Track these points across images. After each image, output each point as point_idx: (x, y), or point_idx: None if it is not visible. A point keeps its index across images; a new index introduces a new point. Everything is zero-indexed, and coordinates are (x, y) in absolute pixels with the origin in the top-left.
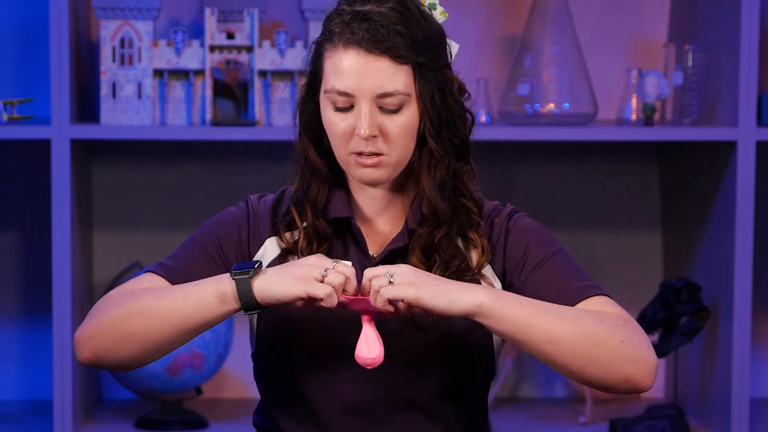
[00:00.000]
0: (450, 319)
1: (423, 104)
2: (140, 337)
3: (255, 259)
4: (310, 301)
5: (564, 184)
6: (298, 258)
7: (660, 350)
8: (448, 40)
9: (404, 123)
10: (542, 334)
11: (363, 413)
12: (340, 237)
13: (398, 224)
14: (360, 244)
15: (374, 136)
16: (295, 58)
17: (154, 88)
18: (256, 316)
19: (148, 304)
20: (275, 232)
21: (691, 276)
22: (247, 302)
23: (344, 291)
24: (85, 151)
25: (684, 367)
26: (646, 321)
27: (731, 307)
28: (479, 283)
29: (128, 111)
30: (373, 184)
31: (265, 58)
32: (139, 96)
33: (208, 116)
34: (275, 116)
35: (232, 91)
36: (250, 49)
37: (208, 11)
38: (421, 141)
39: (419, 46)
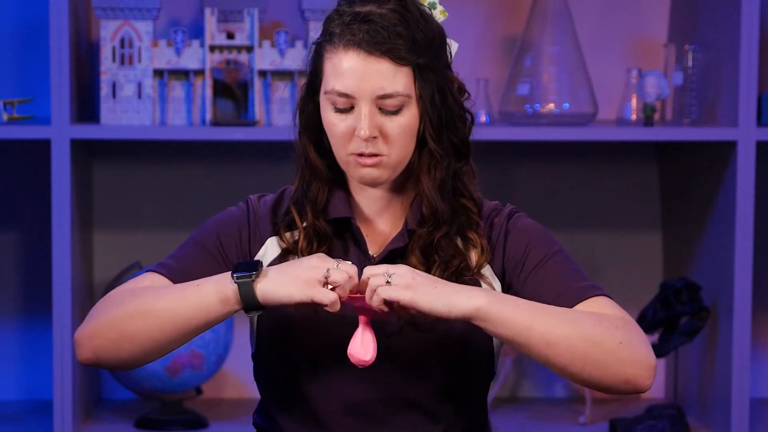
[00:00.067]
0: (450, 320)
1: (423, 105)
2: (140, 337)
3: (256, 258)
4: (313, 304)
5: (564, 184)
6: (298, 258)
7: (660, 350)
8: (447, 40)
9: (404, 124)
10: (541, 336)
11: (363, 413)
12: (340, 237)
13: (398, 224)
14: (360, 244)
15: (374, 137)
16: (295, 58)
17: (154, 88)
18: (256, 315)
19: (149, 305)
20: (275, 232)
21: (691, 276)
22: (249, 304)
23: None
24: (85, 151)
25: (684, 367)
26: (646, 321)
27: (731, 307)
28: (479, 283)
29: (128, 111)
30: (372, 184)
31: (265, 58)
32: (139, 96)
33: (208, 116)
34: (275, 116)
35: (232, 91)
36: (250, 49)
37: (208, 11)
38: (421, 141)
39: (419, 48)
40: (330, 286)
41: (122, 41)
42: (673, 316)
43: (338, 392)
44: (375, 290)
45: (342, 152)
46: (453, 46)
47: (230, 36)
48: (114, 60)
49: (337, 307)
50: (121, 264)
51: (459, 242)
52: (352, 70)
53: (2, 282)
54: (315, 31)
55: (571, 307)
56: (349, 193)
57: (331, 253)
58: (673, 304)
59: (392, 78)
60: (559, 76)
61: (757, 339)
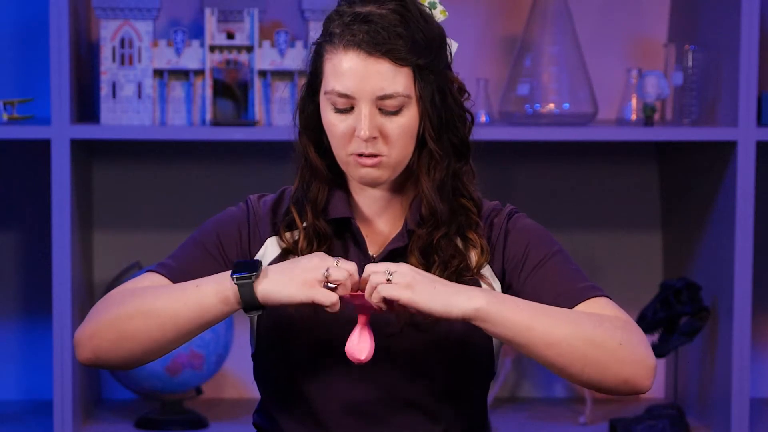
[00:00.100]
0: (450, 320)
1: (423, 106)
2: (140, 337)
3: (256, 258)
4: (314, 305)
5: (564, 184)
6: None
7: (660, 350)
8: (447, 40)
9: (404, 125)
10: (541, 337)
11: (363, 413)
12: (340, 237)
13: (398, 224)
14: (360, 244)
15: (374, 138)
16: (295, 58)
17: (154, 88)
18: (256, 315)
19: (149, 304)
20: (275, 232)
21: (691, 276)
22: (250, 305)
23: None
24: (85, 151)
25: (684, 367)
26: (646, 321)
27: (731, 307)
28: (478, 283)
29: (128, 111)
30: (372, 184)
31: (265, 58)
32: (139, 96)
33: (208, 116)
34: (275, 116)
35: (232, 91)
36: (250, 49)
37: (208, 11)
38: (420, 142)
39: (419, 48)
40: (331, 285)
41: (122, 41)
42: (673, 316)
43: (338, 392)
44: (375, 288)
45: (342, 152)
46: (453, 45)
47: (230, 36)
48: (114, 60)
49: (338, 307)
50: (121, 264)
51: (459, 242)
52: (352, 71)
53: (2, 282)
54: (315, 31)
55: (571, 307)
56: (349, 194)
57: (331, 253)
58: (673, 304)
59: (392, 78)
60: (559, 76)
61: (757, 339)
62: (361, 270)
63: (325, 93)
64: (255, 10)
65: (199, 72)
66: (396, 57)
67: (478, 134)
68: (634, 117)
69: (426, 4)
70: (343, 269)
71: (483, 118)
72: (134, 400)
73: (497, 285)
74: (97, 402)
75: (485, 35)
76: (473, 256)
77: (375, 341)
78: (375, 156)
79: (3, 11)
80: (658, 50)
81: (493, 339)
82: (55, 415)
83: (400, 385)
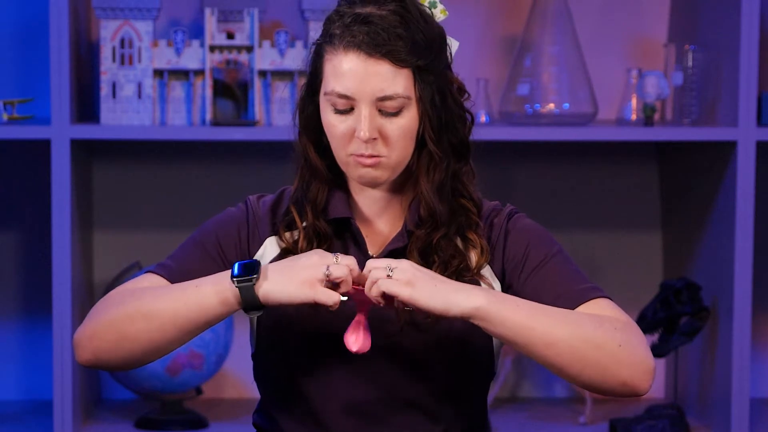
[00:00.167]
0: (450, 319)
1: (423, 107)
2: (140, 337)
3: (255, 258)
4: (316, 304)
5: (564, 184)
6: None
7: (660, 350)
8: (448, 39)
9: (404, 126)
10: (540, 337)
11: (363, 413)
12: (339, 237)
13: (397, 225)
14: (360, 244)
15: (374, 139)
16: (295, 58)
17: (154, 88)
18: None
19: (148, 305)
20: (275, 232)
21: (691, 276)
22: (251, 305)
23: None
24: (85, 151)
25: (684, 367)
26: (646, 321)
27: (731, 307)
28: (478, 283)
29: (128, 111)
30: (372, 184)
31: (265, 58)
32: (139, 96)
33: (208, 116)
34: (275, 116)
35: (232, 91)
36: (250, 49)
37: (208, 11)
38: (420, 143)
39: (419, 50)
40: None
41: (122, 41)
42: (673, 316)
43: (338, 392)
44: (375, 282)
45: (342, 153)
46: (453, 44)
47: (230, 36)
48: (114, 60)
49: (337, 306)
50: (121, 264)
51: (459, 243)
52: (352, 72)
53: (2, 282)
54: (315, 31)
55: (572, 308)
56: (348, 194)
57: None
58: (673, 304)
59: (392, 80)
60: (559, 76)
61: (757, 339)
62: (361, 269)
63: (325, 94)
64: (255, 10)
65: (199, 72)
66: (396, 58)
67: (478, 134)
68: (634, 117)
69: (426, 3)
70: (343, 266)
71: (483, 118)
72: (134, 400)
73: (497, 285)
74: (97, 402)
75: (485, 35)
76: (473, 257)
77: (375, 340)
78: (374, 156)
79: (3, 11)
80: (658, 50)
81: (493, 339)
82: (55, 415)
83: (400, 385)
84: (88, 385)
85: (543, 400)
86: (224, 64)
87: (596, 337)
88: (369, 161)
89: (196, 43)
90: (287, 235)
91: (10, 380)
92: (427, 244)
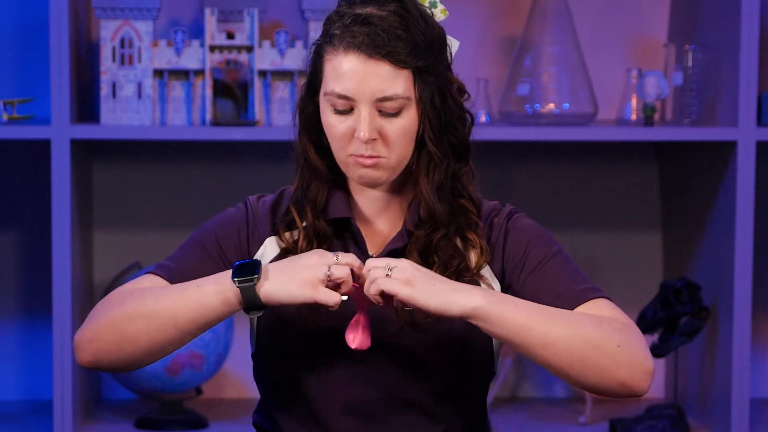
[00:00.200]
0: (450, 319)
1: (422, 108)
2: (142, 338)
3: (254, 258)
4: (316, 305)
5: (564, 184)
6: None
7: (660, 350)
8: (448, 38)
9: (404, 126)
10: (539, 337)
11: (363, 413)
12: (339, 237)
13: (397, 225)
14: (360, 244)
15: (374, 140)
16: (295, 58)
17: (154, 88)
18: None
19: (149, 306)
20: (275, 232)
21: (691, 276)
22: (252, 305)
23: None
24: (85, 151)
25: (684, 367)
26: (646, 321)
27: (731, 307)
28: (478, 284)
29: (128, 111)
30: (371, 185)
31: (265, 58)
32: (139, 96)
33: (208, 116)
34: (275, 116)
35: (232, 91)
36: (250, 49)
37: (208, 11)
38: (420, 143)
39: (419, 51)
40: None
41: (122, 41)
42: (673, 316)
43: (338, 392)
44: (374, 281)
45: (341, 153)
46: (454, 44)
47: (230, 36)
48: (114, 60)
49: (338, 306)
50: (121, 264)
51: (458, 243)
52: (351, 73)
53: (2, 282)
54: (315, 31)
55: (571, 308)
56: (348, 194)
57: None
58: (673, 304)
59: (392, 81)
60: (559, 76)
61: (757, 339)
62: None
63: (325, 94)
64: (255, 10)
65: (199, 72)
66: (396, 59)
67: (478, 134)
68: (634, 117)
69: (426, 3)
70: (344, 267)
71: (483, 118)
72: (134, 400)
73: (496, 285)
74: (97, 402)
75: (485, 35)
76: (473, 257)
77: (375, 340)
78: (374, 157)
79: (3, 11)
80: (658, 50)
81: (493, 339)
82: (55, 415)
83: (400, 385)
84: (88, 385)
85: (543, 400)
86: (224, 64)
87: (595, 337)
88: (369, 162)
89: (196, 43)
90: (287, 235)
91: (10, 380)
92: (427, 244)
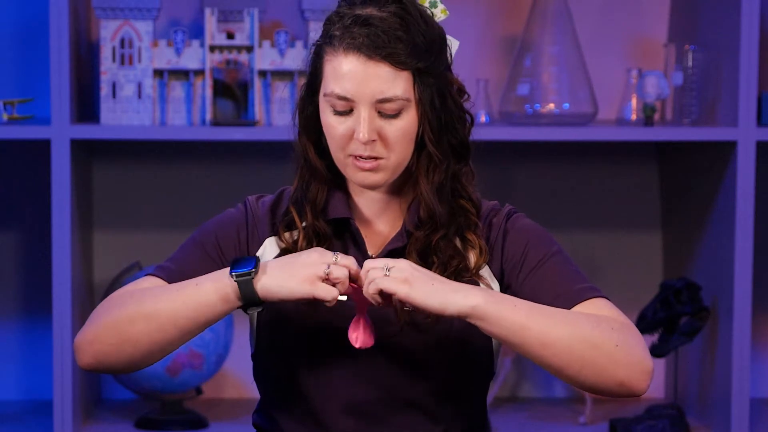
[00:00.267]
0: (449, 319)
1: (422, 109)
2: (142, 339)
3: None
4: (314, 300)
5: (564, 184)
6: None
7: (660, 350)
8: (448, 38)
9: (403, 128)
10: (537, 337)
11: (363, 413)
12: (339, 237)
13: (397, 226)
14: (359, 244)
15: (373, 141)
16: (295, 58)
17: (154, 88)
18: (256, 314)
19: (149, 306)
20: (274, 232)
21: (691, 276)
22: (250, 301)
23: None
24: (85, 151)
25: (684, 367)
26: (646, 321)
27: (731, 307)
28: (477, 284)
29: (128, 111)
30: (371, 187)
31: (265, 58)
32: (139, 96)
33: (208, 116)
34: (275, 116)
35: (232, 91)
36: (250, 49)
37: (208, 11)
38: (419, 144)
39: (419, 52)
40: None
41: (122, 41)
42: (673, 316)
43: (338, 392)
44: (372, 281)
45: (340, 154)
46: (454, 44)
47: (230, 36)
48: (114, 60)
49: (335, 302)
50: (121, 264)
51: (458, 243)
52: (351, 74)
53: (2, 282)
54: (315, 31)
55: (569, 308)
56: (348, 194)
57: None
58: (673, 304)
59: (392, 82)
60: (559, 76)
61: (757, 339)
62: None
63: (325, 95)
64: (255, 10)
65: (199, 72)
66: (396, 61)
67: (478, 134)
68: (634, 117)
69: (426, 3)
70: (343, 267)
71: (483, 119)
72: (134, 400)
73: (495, 286)
74: (97, 402)
75: (485, 35)
76: (472, 257)
77: (375, 340)
78: (374, 159)
79: (3, 11)
80: (658, 50)
81: (493, 339)
82: (55, 415)
83: (400, 385)
84: (88, 385)
85: (543, 400)
86: (224, 64)
87: (593, 337)
88: (368, 165)
89: (196, 43)
90: (287, 235)
91: (10, 380)
92: (426, 245)
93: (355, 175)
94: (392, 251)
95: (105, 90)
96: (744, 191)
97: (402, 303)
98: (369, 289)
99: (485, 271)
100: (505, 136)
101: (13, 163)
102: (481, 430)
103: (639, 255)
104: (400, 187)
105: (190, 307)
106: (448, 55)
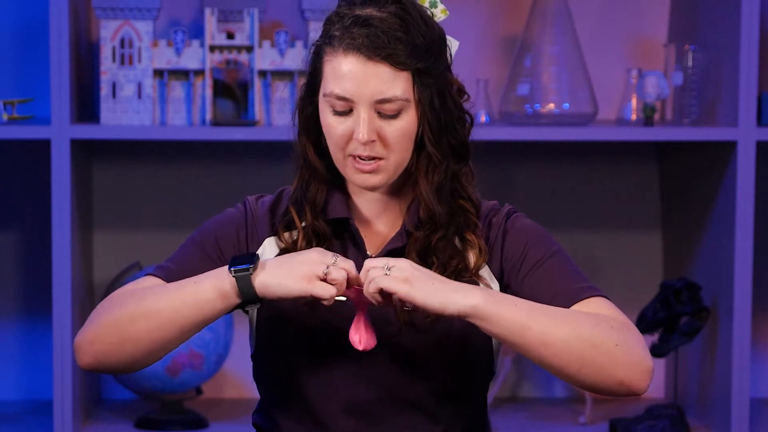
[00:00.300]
0: (449, 319)
1: (422, 109)
2: (142, 338)
3: None
4: (312, 299)
5: (564, 184)
6: None
7: (660, 350)
8: (448, 38)
9: (403, 128)
10: (536, 336)
11: (363, 413)
12: (338, 237)
13: (396, 226)
14: (359, 244)
15: (372, 141)
16: (295, 58)
17: (154, 88)
18: (255, 314)
19: (148, 305)
20: (274, 232)
21: (691, 276)
22: (248, 297)
23: None
24: (85, 151)
25: (684, 367)
26: (646, 321)
27: (731, 307)
28: (477, 284)
29: (128, 111)
30: (371, 189)
31: (265, 58)
32: (139, 96)
33: (208, 116)
34: (275, 116)
35: (232, 91)
36: (250, 49)
37: (208, 11)
38: (419, 145)
39: (419, 52)
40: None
41: (122, 41)
42: (673, 316)
43: (338, 392)
44: (372, 280)
45: (339, 154)
46: (453, 44)
47: (230, 36)
48: (114, 60)
49: (333, 300)
50: (121, 264)
51: (457, 242)
52: (351, 74)
53: (2, 282)
54: (315, 31)
55: (568, 307)
56: (347, 194)
57: None
58: (673, 304)
59: (391, 82)
60: (559, 76)
61: (757, 339)
62: (359, 269)
63: (324, 95)
64: (255, 10)
65: (199, 72)
66: (395, 61)
67: (478, 134)
68: (634, 117)
69: (426, 3)
70: (341, 269)
71: (483, 119)
72: (134, 400)
73: (495, 286)
74: (97, 402)
75: (485, 35)
76: (471, 257)
77: (375, 340)
78: (373, 160)
79: (3, 11)
80: (658, 50)
81: (492, 339)
82: (55, 415)
83: (400, 385)
84: (88, 385)
85: (543, 400)
86: (224, 64)
87: (593, 336)
88: (368, 167)
89: (196, 43)
90: (286, 235)
91: (10, 380)
92: (426, 245)
93: (354, 176)
94: (392, 251)
95: (105, 90)
96: (744, 191)
97: (402, 302)
98: (369, 288)
99: (485, 271)
100: (505, 136)
101: (13, 163)
102: (481, 430)
103: (639, 255)
104: (399, 187)
105: (189, 304)
106: (448, 55)
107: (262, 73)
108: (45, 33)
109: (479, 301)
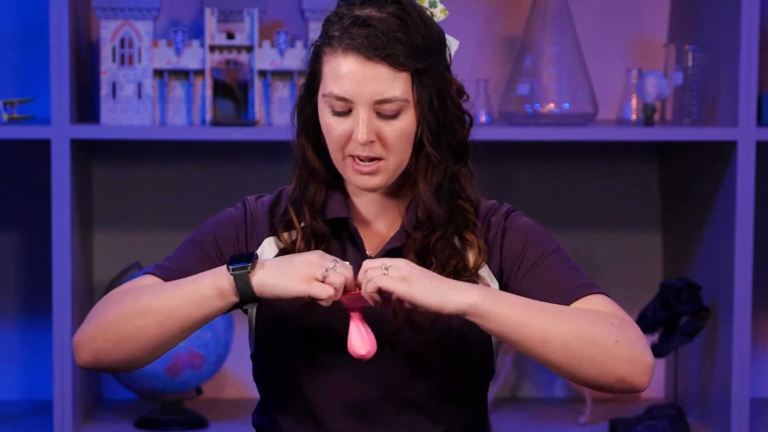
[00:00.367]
0: (449, 318)
1: (421, 110)
2: (140, 336)
3: None
4: (310, 300)
5: (564, 184)
6: None
7: (660, 350)
8: (447, 38)
9: (402, 128)
10: (535, 334)
11: (362, 413)
12: (337, 237)
13: (395, 226)
14: (358, 245)
15: (372, 142)
16: (295, 58)
17: (154, 88)
18: (254, 314)
19: (147, 303)
20: (273, 233)
21: (691, 276)
22: (246, 295)
23: None
24: (85, 151)
25: (684, 367)
26: (646, 321)
27: (731, 307)
28: (476, 283)
29: (128, 111)
30: (370, 190)
31: (265, 58)
32: (139, 96)
33: (208, 116)
34: (275, 116)
35: (232, 91)
36: (250, 49)
37: (208, 11)
38: (418, 145)
39: (418, 53)
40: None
41: (122, 41)
42: (673, 316)
43: (337, 392)
44: (371, 279)
45: (339, 155)
46: (453, 44)
47: (230, 36)
48: (114, 60)
49: (331, 301)
50: (121, 264)
51: (456, 242)
52: (350, 74)
53: (2, 282)
54: (315, 31)
55: (568, 304)
56: (346, 195)
57: (329, 254)
58: (673, 304)
59: (390, 83)
60: (559, 76)
61: (757, 339)
62: (358, 268)
63: (323, 96)
64: (255, 10)
65: (199, 72)
66: (394, 62)
67: (477, 134)
68: (634, 117)
69: (426, 3)
70: (340, 274)
71: (483, 119)
72: (134, 400)
73: (495, 285)
74: (97, 402)
75: (485, 35)
76: (471, 257)
77: (376, 343)
78: (373, 161)
79: (3, 11)
80: (658, 50)
81: (492, 338)
82: (55, 415)
83: (400, 385)
84: (88, 385)
85: (543, 400)
86: (224, 64)
87: (592, 333)
88: (367, 168)
89: (196, 43)
90: (285, 235)
91: (10, 380)
92: (424, 246)
93: (354, 178)
94: (390, 251)
95: (105, 90)
96: (744, 191)
97: (400, 301)
98: (367, 288)
99: (484, 271)
100: (505, 136)
101: (13, 163)
102: (481, 430)
103: (639, 255)
104: (398, 187)
105: (187, 302)
106: (448, 55)
107: (262, 73)
108: (45, 33)
109: (477, 298)
